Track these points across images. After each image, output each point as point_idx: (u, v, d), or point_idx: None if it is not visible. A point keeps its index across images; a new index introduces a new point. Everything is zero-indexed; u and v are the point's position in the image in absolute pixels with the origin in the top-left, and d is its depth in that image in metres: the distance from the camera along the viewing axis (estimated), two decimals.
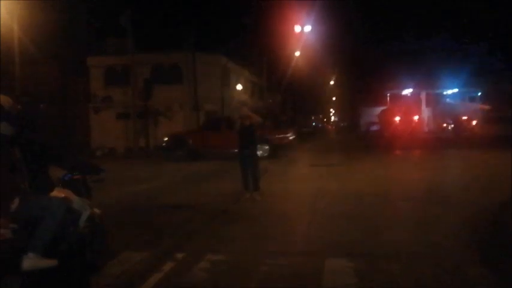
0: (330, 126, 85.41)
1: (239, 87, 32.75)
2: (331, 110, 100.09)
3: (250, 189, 8.96)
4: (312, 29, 29.14)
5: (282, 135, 20.49)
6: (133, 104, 24.44)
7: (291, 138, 21.80)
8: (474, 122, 39.80)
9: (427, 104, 48.83)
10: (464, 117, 41.71)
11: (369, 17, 39.92)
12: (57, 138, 21.64)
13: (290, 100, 53.31)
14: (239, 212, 8.11)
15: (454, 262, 4.91)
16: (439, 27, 37.13)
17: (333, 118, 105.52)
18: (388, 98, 50.17)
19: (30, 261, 3.54)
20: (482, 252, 5.27)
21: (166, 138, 20.14)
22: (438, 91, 48.77)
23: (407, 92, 48.26)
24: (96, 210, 4.48)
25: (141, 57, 25.01)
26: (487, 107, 39.49)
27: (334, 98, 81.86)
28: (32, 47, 22.41)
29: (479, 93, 43.81)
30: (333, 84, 66.20)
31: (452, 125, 42.90)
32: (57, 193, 4.01)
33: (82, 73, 27.97)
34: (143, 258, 5.26)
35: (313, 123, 70.30)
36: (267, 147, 18.10)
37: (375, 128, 46.40)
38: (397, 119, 41.18)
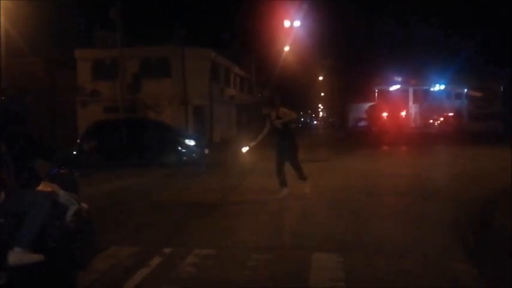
0: (318, 122, 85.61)
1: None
2: (320, 105, 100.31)
3: (287, 185, 8.46)
4: (301, 24, 29.15)
5: None
6: (122, 98, 24.23)
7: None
8: (460, 118, 40.27)
9: (414, 100, 49.25)
10: (451, 114, 42.16)
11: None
12: (43, 132, 21.39)
13: (279, 95, 53.28)
14: (227, 207, 8.11)
15: (440, 257, 4.97)
16: (430, 15, 37.26)
17: (321, 114, 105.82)
18: (376, 94, 50.48)
19: (16, 256, 3.51)
20: (467, 248, 5.34)
21: None
22: (425, 87, 49.18)
23: (395, 88, 48.60)
24: (84, 205, 4.45)
25: (129, 51, 24.76)
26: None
27: (322, 94, 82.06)
28: (18, 39, 22.08)
29: (466, 90, 44.28)
30: (322, 80, 66.34)
31: (439, 121, 43.34)
32: (44, 187, 3.97)
33: (69, 66, 27.63)
34: (130, 254, 5.24)
35: (302, 119, 70.35)
36: None
37: (362, 123, 46.74)
38: (385, 114, 41.53)
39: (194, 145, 15.84)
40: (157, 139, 15.56)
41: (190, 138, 16.43)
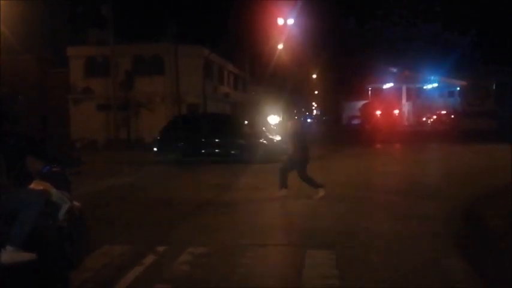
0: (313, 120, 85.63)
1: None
2: (314, 103, 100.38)
3: (287, 187, 8.64)
4: (295, 22, 29.13)
5: None
6: (114, 96, 24.13)
7: None
8: (453, 116, 40.39)
9: (407, 98, 49.41)
10: (444, 112, 42.30)
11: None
12: (36, 130, 21.26)
13: (272, 93, 53.26)
14: (223, 205, 8.10)
15: (433, 253, 5.00)
16: (428, 13, 37.28)
17: (315, 112, 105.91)
18: (369, 92, 50.61)
19: (8, 255, 3.49)
20: (460, 244, 5.37)
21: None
22: (418, 85, 49.32)
23: (388, 86, 48.72)
24: (76, 203, 4.42)
25: (122, 48, 24.65)
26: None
27: (316, 92, 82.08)
28: (10, 37, 21.90)
29: (458, 88, 44.43)
30: (316, 78, 66.35)
31: (432, 119, 43.49)
32: (36, 186, 3.94)
33: (62, 64, 27.44)
34: (123, 252, 5.23)
35: (295, 117, 70.32)
36: None
37: (356, 121, 46.89)
38: (378, 112, 41.67)
39: (277, 141, 15.80)
40: (243, 135, 15.64)
41: (274, 134, 16.45)
